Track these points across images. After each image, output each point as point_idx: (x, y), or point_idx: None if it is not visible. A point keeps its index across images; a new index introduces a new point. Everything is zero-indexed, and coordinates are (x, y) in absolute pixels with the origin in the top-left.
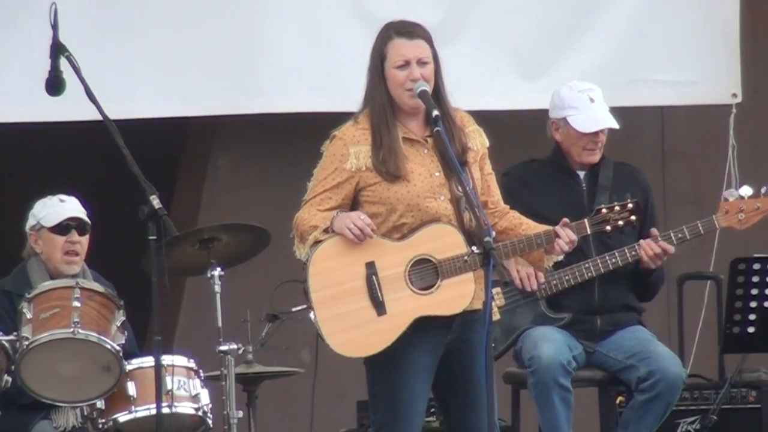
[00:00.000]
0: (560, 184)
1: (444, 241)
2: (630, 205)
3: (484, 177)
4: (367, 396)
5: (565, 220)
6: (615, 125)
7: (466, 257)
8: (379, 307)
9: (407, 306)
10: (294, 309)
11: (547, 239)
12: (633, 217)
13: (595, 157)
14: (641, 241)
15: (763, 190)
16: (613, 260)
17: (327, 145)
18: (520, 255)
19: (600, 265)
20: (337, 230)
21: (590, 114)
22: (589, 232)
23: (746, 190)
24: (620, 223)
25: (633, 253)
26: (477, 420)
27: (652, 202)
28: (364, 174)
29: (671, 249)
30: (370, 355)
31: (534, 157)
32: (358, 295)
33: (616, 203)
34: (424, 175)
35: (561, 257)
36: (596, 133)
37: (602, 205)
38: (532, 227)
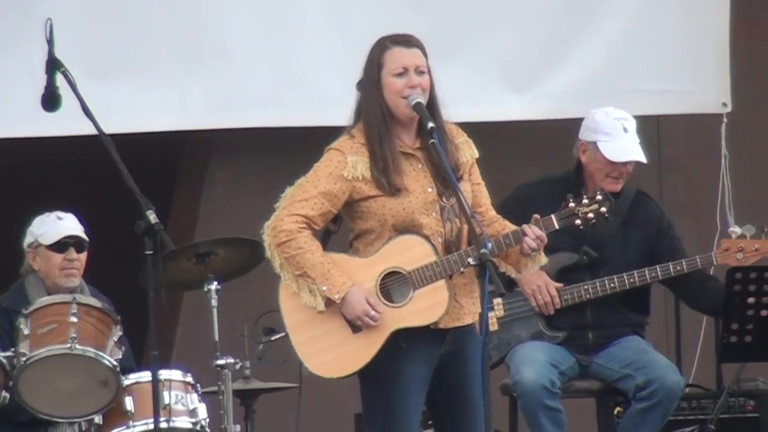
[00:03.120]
0: (569, 195)
1: (412, 252)
2: (599, 197)
3: (473, 186)
4: (363, 411)
5: (536, 216)
6: (643, 159)
7: (435, 264)
8: (353, 325)
9: (381, 320)
10: (274, 337)
11: (515, 239)
12: (603, 209)
13: (617, 187)
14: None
15: (766, 230)
16: (612, 285)
17: (322, 158)
18: (496, 258)
19: (598, 287)
20: (348, 315)
21: (622, 143)
22: (557, 227)
23: (749, 229)
24: (590, 215)
25: (631, 279)
26: (470, 430)
27: (671, 234)
28: (359, 185)
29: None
30: (350, 374)
31: (550, 174)
32: (332, 316)
33: (585, 195)
34: (418, 191)
35: (544, 262)
36: (624, 164)
37: (570, 198)
38: (504, 227)
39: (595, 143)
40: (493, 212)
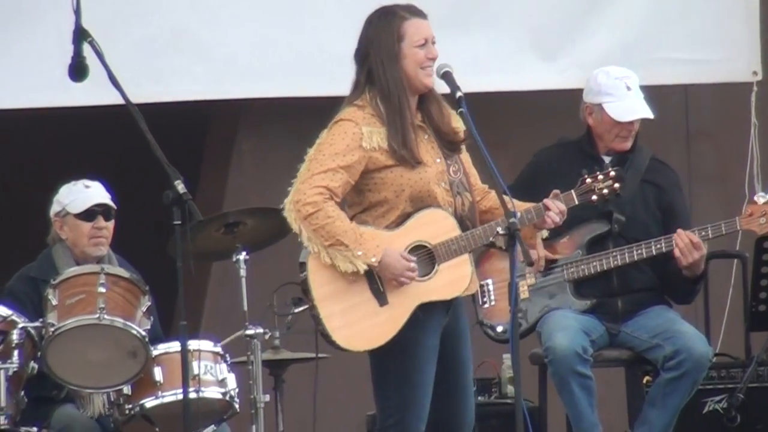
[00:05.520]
0: (584, 170)
1: (438, 226)
2: (612, 173)
3: None
4: (375, 383)
5: (555, 191)
6: (650, 115)
7: (460, 239)
8: (380, 297)
9: (408, 294)
10: (296, 310)
11: (537, 214)
12: (617, 185)
13: (627, 145)
14: (678, 231)
15: None
16: (639, 251)
17: (331, 128)
18: None
19: (626, 255)
20: (388, 275)
21: (626, 102)
22: (576, 202)
23: None
24: (605, 191)
25: (658, 246)
26: (463, 398)
27: (682, 201)
28: (375, 155)
29: (699, 241)
30: (377, 346)
31: (564, 137)
32: (359, 288)
33: (599, 172)
34: (430, 162)
35: (545, 236)
36: (631, 122)
37: (586, 174)
38: (518, 205)
39: (600, 105)
40: (482, 184)
